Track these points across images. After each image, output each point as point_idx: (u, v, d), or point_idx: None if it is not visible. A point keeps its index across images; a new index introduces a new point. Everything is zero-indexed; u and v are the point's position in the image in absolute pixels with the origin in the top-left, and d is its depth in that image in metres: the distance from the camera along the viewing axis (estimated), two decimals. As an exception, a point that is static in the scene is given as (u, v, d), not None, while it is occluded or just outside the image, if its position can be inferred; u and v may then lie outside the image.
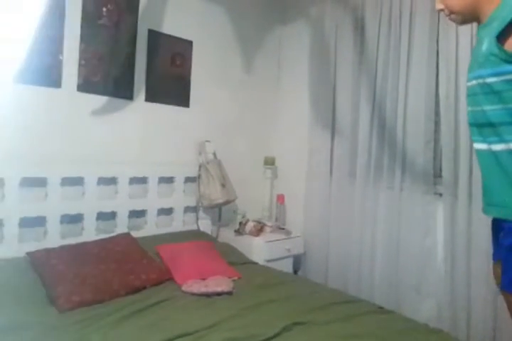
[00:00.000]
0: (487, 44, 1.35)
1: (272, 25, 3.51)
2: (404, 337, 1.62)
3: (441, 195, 2.54)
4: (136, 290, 1.90)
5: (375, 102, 2.82)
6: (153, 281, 2.00)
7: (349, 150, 2.96)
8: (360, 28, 2.93)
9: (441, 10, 1.50)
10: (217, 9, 3.09)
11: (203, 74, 3.00)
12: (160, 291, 1.93)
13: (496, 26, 1.30)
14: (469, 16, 1.46)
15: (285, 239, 3.01)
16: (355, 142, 2.91)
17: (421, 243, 2.58)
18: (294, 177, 3.39)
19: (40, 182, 2.18)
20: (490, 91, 1.37)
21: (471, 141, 1.51)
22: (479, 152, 1.45)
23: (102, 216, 2.41)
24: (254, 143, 3.42)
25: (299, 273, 3.20)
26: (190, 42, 2.91)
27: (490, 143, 1.39)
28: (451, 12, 1.48)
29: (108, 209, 2.43)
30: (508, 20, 1.26)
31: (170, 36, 2.79)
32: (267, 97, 3.51)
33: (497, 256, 1.49)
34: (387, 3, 2.74)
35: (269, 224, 3.14)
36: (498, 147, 1.34)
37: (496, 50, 1.30)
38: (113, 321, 1.60)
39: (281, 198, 3.37)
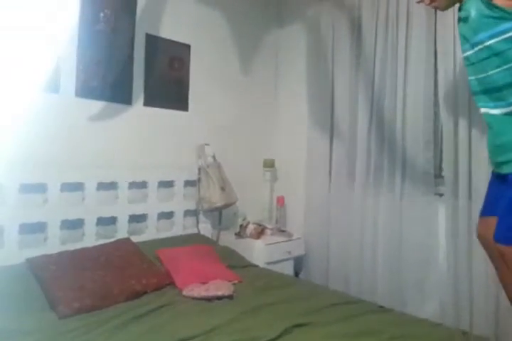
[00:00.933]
0: (475, 10, 1.38)
1: (269, 27, 3.51)
2: (405, 333, 1.62)
3: (442, 195, 2.54)
4: (137, 295, 1.90)
5: (374, 103, 2.82)
6: (153, 286, 1.99)
7: (348, 151, 2.96)
8: (357, 28, 2.94)
9: (421, 1, 1.52)
10: (214, 13, 3.10)
11: (202, 78, 3.00)
12: (160, 296, 1.92)
13: None
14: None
15: (286, 241, 3.01)
16: (354, 143, 2.91)
17: (423, 243, 2.58)
18: (294, 180, 3.39)
19: (40, 188, 2.18)
20: (492, 54, 1.37)
21: (478, 108, 1.54)
22: (492, 116, 1.48)
23: (102, 221, 2.41)
24: (254, 146, 3.42)
25: (301, 275, 3.20)
26: (188, 46, 2.91)
27: (503, 106, 1.42)
28: (432, 0, 1.51)
29: (108, 214, 2.43)
30: None
31: (168, 40, 2.79)
32: (265, 100, 3.51)
33: (490, 211, 1.55)
34: (383, 4, 2.74)
35: (269, 226, 3.14)
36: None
37: (488, 11, 1.32)
38: (113, 327, 1.59)
39: (281, 200, 3.37)
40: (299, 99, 3.36)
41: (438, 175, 2.62)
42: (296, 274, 3.17)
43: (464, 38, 1.51)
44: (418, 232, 2.59)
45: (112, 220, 2.46)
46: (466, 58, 1.53)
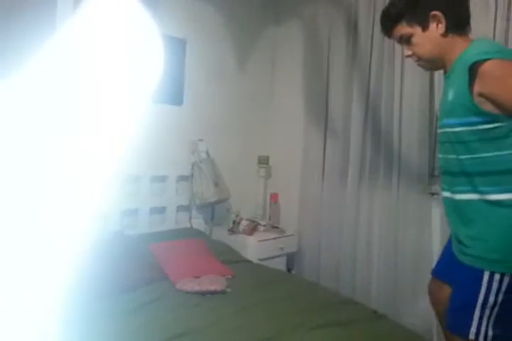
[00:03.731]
0: (452, 94, 1.38)
1: (265, 24, 3.50)
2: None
3: (435, 194, 2.55)
4: (130, 289, 1.89)
5: (369, 101, 2.83)
6: (146, 280, 1.99)
7: (342, 149, 2.96)
8: (353, 27, 2.93)
9: (409, 56, 1.53)
10: (211, 8, 3.08)
11: (197, 73, 2.99)
12: (153, 290, 1.92)
13: (457, 76, 1.33)
14: (435, 64, 1.52)
15: (278, 237, 3.01)
16: (348, 142, 2.91)
17: (416, 242, 2.58)
18: (288, 176, 3.39)
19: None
20: (457, 141, 1.38)
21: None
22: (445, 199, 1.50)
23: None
24: (248, 142, 3.41)
25: (293, 271, 3.20)
26: (184, 41, 2.90)
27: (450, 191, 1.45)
28: (419, 59, 1.51)
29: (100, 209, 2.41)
30: (465, 68, 1.28)
31: (163, 35, 2.77)
32: (260, 96, 3.51)
33: (446, 276, 1.58)
34: (380, 3, 2.74)
35: (262, 222, 3.14)
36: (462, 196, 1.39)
37: (465, 99, 1.30)
38: (106, 320, 1.58)
39: (274, 197, 3.37)
40: (295, 96, 3.36)
41: (432, 174, 2.63)
42: (289, 270, 3.17)
43: (440, 113, 1.51)
44: (412, 231, 2.59)
45: (105, 214, 2.44)
46: (438, 135, 1.54)
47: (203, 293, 1.89)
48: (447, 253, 1.63)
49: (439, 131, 1.50)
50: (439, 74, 2.49)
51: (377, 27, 2.74)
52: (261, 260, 2.77)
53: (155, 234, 2.53)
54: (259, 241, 2.87)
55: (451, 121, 1.39)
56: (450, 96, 1.39)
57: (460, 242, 1.42)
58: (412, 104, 2.60)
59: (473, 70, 1.27)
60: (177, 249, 2.29)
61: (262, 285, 2.08)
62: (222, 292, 1.93)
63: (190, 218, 2.89)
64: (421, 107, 2.58)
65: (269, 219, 3.31)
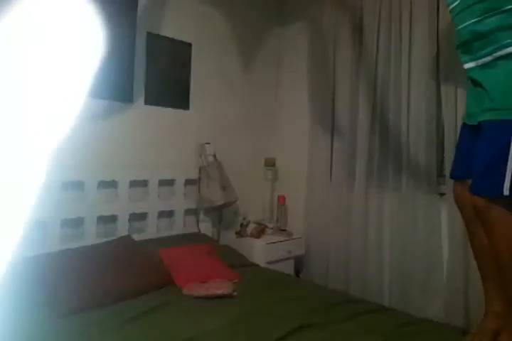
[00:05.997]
0: None
1: (270, 26, 3.50)
2: (408, 331, 1.62)
3: (444, 194, 2.53)
4: (137, 294, 1.89)
5: (376, 103, 2.81)
6: (154, 285, 1.99)
7: (349, 150, 2.95)
8: (358, 28, 2.92)
9: None
10: (215, 11, 3.09)
11: (203, 76, 2.99)
12: (161, 295, 1.92)
13: None
14: None
15: (286, 240, 3.00)
16: (355, 143, 2.90)
17: (426, 243, 2.56)
18: (295, 178, 3.38)
19: (41, 187, 2.17)
20: (476, 1, 1.41)
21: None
22: (470, 70, 1.51)
23: (102, 219, 2.40)
24: (255, 145, 3.41)
25: (301, 275, 3.19)
26: (190, 45, 2.91)
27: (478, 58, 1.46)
28: None
29: (109, 213, 2.43)
30: None
31: (169, 39, 2.78)
32: (266, 99, 3.51)
33: (466, 172, 1.55)
34: (386, 4, 2.73)
35: (270, 225, 3.13)
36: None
37: None
38: (114, 326, 1.58)
39: (282, 199, 3.36)
40: (300, 98, 3.35)
41: (440, 174, 2.61)
42: (297, 274, 3.16)
43: None
44: (422, 231, 2.58)
45: (113, 219, 2.45)
46: (452, 9, 1.55)
47: (210, 298, 1.89)
48: (462, 149, 1.65)
49: (456, 2, 1.51)
50: (445, 76, 2.48)
51: (384, 27, 2.75)
52: (269, 263, 2.77)
53: (162, 239, 2.54)
54: (267, 243, 2.87)
55: None
56: None
57: (486, 101, 1.41)
58: (419, 105, 2.59)
59: None
60: (184, 254, 2.29)
61: (269, 289, 2.08)
62: (230, 296, 1.93)
63: (198, 222, 2.89)
64: (428, 107, 2.57)
65: (277, 221, 3.30)
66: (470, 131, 1.58)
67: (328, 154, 3.09)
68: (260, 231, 2.99)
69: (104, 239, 2.30)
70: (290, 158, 3.44)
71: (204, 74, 3.00)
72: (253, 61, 3.38)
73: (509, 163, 1.31)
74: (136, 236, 2.42)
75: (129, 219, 2.51)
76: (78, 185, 2.32)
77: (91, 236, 2.33)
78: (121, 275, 1.94)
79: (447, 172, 2.48)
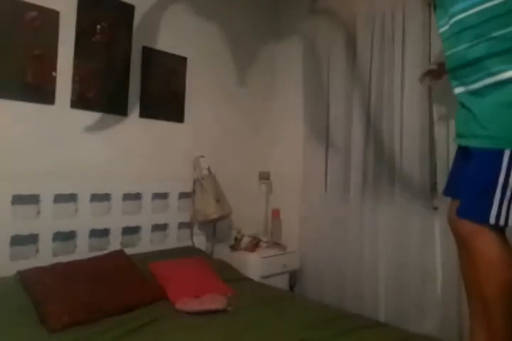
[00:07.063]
0: None
1: (265, 40, 3.54)
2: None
3: (437, 208, 2.54)
4: (129, 309, 1.86)
5: (370, 116, 2.83)
6: (146, 300, 1.96)
7: (344, 164, 2.96)
8: (352, 41, 2.97)
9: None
10: (210, 26, 3.12)
11: (197, 90, 3.01)
12: (153, 310, 1.89)
13: None
14: None
15: (281, 254, 2.98)
16: (350, 157, 2.91)
17: (421, 256, 2.55)
18: (290, 192, 3.38)
19: (33, 200, 2.16)
20: (467, 27, 1.40)
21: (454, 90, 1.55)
22: (459, 95, 1.51)
23: (95, 233, 2.38)
24: (249, 158, 3.42)
25: (295, 289, 3.16)
26: (185, 59, 2.93)
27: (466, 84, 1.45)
28: None
29: (101, 226, 2.41)
30: None
31: (164, 53, 2.80)
32: (261, 112, 3.53)
33: (457, 192, 1.56)
34: (379, 17, 2.77)
35: (264, 239, 3.12)
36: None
37: None
38: (105, 341, 1.56)
39: (276, 213, 3.35)
40: (295, 111, 3.37)
41: (434, 188, 2.62)
42: (291, 288, 3.13)
43: (441, 11, 1.53)
44: (416, 244, 2.57)
45: (105, 232, 2.43)
46: (440, 35, 1.56)
47: (203, 313, 1.86)
48: (456, 168, 1.64)
49: (445, 27, 1.51)
50: (438, 89, 2.51)
51: (377, 42, 2.79)
52: (263, 277, 2.75)
53: (156, 253, 2.52)
54: (262, 257, 2.85)
55: (458, 6, 1.41)
56: None
57: (475, 128, 1.41)
58: (412, 119, 2.61)
59: None
60: (177, 268, 2.26)
61: (263, 304, 2.05)
62: (224, 311, 1.90)
63: (192, 235, 2.87)
64: (421, 122, 2.59)
65: (271, 235, 3.29)
66: (462, 151, 1.58)
67: (322, 167, 3.10)
68: (254, 245, 2.97)
69: (97, 253, 2.28)
70: (285, 172, 3.44)
71: (199, 88, 3.02)
72: (248, 74, 3.41)
73: (497, 192, 1.31)
74: (129, 250, 2.40)
75: (122, 233, 2.49)
76: (71, 198, 2.30)
77: (83, 249, 2.30)
78: (113, 290, 1.91)
79: (439, 186, 2.50)
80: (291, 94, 3.44)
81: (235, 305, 1.97)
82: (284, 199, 3.43)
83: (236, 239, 3.00)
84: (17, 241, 2.09)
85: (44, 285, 1.83)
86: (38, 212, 2.17)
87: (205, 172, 2.89)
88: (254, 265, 2.79)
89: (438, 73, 2.02)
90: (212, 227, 3.01)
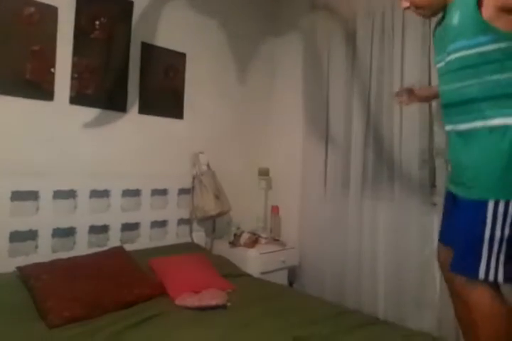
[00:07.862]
0: (458, 17, 1.37)
1: (264, 36, 3.53)
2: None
3: (436, 204, 2.54)
4: (129, 305, 1.87)
5: (370, 112, 2.83)
6: (146, 296, 1.96)
7: (343, 160, 2.96)
8: (352, 38, 2.96)
9: (407, 7, 1.54)
10: (210, 22, 3.11)
11: (197, 86, 3.01)
12: (153, 306, 1.89)
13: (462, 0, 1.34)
14: (434, 7, 1.51)
15: (280, 250, 2.99)
16: (349, 153, 2.91)
17: (420, 252, 2.55)
18: (289, 188, 3.38)
19: (32, 196, 2.16)
20: (464, 66, 1.37)
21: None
22: (448, 133, 1.49)
23: (94, 229, 2.38)
24: (249, 154, 3.41)
25: (295, 285, 3.17)
26: (184, 55, 2.92)
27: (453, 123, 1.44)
28: (417, 7, 1.52)
29: (100, 223, 2.41)
30: None
31: (163, 49, 2.80)
32: (260, 108, 3.52)
33: (448, 239, 1.55)
34: (379, 14, 2.76)
35: (263, 235, 3.12)
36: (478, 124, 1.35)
37: (473, 18, 1.30)
38: (105, 337, 1.56)
39: (275, 209, 3.35)
40: (295, 107, 3.37)
41: (433, 184, 2.62)
42: (290, 284, 3.14)
43: (440, 46, 1.51)
44: (416, 240, 2.57)
45: (105, 228, 2.43)
46: (437, 70, 1.54)
47: (203, 309, 1.87)
48: (447, 214, 1.63)
49: (441, 63, 1.49)
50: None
51: (377, 37, 2.78)
52: (263, 273, 2.75)
53: (155, 249, 2.53)
54: (261, 254, 2.85)
55: (459, 44, 1.37)
56: (456, 20, 1.37)
57: (461, 176, 1.40)
58: (412, 115, 2.60)
59: None
60: (177, 264, 2.26)
61: (263, 300, 2.05)
62: (223, 307, 1.91)
63: (191, 231, 2.87)
64: (421, 118, 2.58)
65: (270, 231, 3.29)
66: (452, 194, 1.55)
67: (322, 164, 3.10)
68: (254, 241, 2.97)
69: (96, 249, 2.28)
70: (284, 168, 3.44)
71: (198, 84, 3.02)
72: (247, 71, 3.40)
73: (484, 247, 1.29)
74: (128, 246, 2.40)
75: (121, 229, 2.49)
76: (70, 194, 2.30)
77: (82, 246, 2.31)
78: (113, 286, 1.92)
79: (438, 182, 2.49)
80: (291, 90, 3.43)
81: (235, 300, 1.97)
82: (283, 196, 3.43)
83: (235, 235, 3.00)
84: (16, 237, 2.09)
85: (43, 282, 1.83)
86: (37, 208, 2.17)
87: (205, 168, 2.89)
88: (253, 261, 2.80)
89: (415, 96, 1.96)
90: (212, 223, 3.02)
